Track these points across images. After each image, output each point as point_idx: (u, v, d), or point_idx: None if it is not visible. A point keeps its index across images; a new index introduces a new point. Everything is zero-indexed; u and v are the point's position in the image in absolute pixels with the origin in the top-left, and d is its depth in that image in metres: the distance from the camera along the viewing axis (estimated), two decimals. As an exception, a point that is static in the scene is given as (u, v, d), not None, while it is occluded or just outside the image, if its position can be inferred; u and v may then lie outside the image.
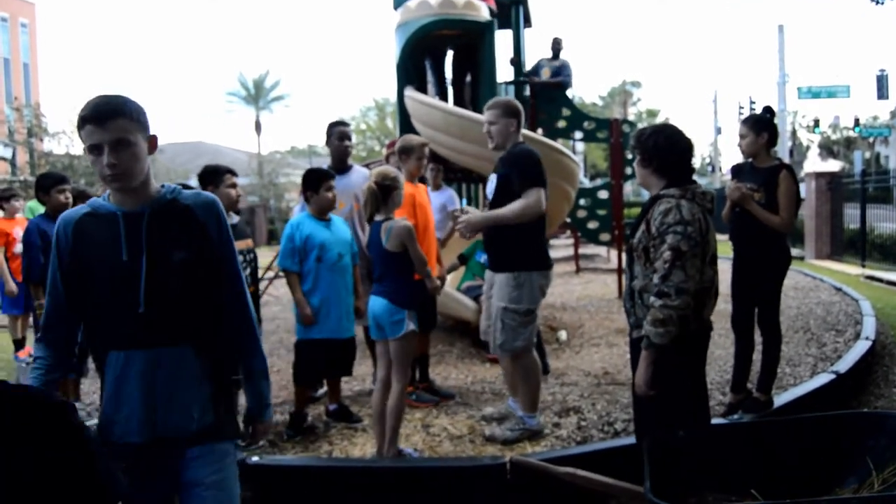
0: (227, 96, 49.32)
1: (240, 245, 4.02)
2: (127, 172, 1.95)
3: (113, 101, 1.96)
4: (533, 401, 4.16)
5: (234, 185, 4.13)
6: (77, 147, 20.51)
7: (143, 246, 1.98)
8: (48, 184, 4.63)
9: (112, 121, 1.91)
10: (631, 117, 45.37)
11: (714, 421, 3.97)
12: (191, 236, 2.04)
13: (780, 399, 4.35)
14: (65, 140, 20.58)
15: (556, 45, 9.42)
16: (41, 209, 5.16)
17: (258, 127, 47.36)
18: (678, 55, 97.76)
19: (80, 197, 4.97)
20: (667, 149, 2.90)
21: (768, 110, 4.38)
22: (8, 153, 19.85)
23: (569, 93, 9.31)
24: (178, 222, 2.04)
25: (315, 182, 4.35)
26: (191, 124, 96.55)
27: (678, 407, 2.86)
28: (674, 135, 2.93)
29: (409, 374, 3.95)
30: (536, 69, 9.33)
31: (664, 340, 2.69)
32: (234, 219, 4.15)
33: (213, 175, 4.11)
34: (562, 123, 8.94)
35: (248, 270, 4.11)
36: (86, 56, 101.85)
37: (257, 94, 47.77)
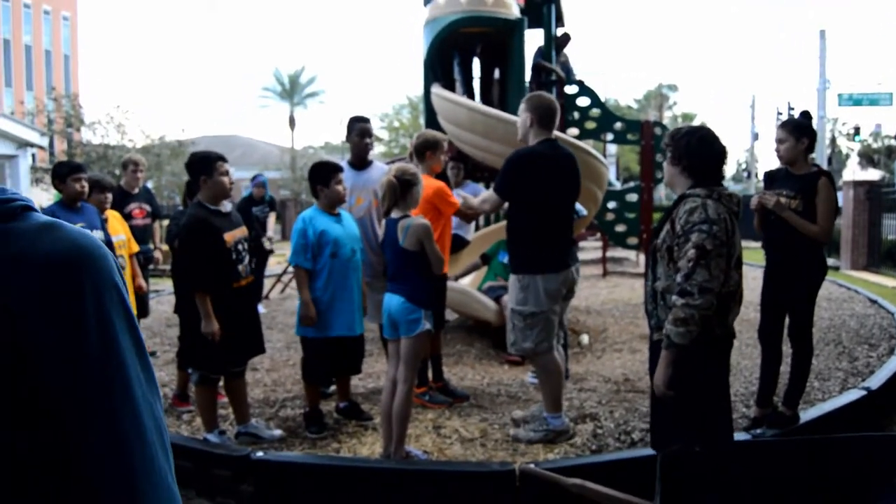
0: (263, 91, 49.78)
1: (236, 234, 3.96)
2: None
3: None
4: (555, 401, 4.09)
5: (226, 173, 3.98)
6: (112, 137, 20.84)
7: None
8: (64, 172, 4.60)
9: None
10: (666, 121, 44.76)
11: (736, 435, 3.83)
12: None
13: (807, 414, 4.17)
14: (100, 130, 20.90)
15: (565, 40, 9.08)
16: None
17: (292, 122, 47.70)
18: (716, 59, 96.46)
19: (96, 186, 4.96)
20: (698, 150, 2.88)
21: (806, 115, 4.21)
22: (45, 142, 20.17)
23: (601, 94, 9.13)
24: None
25: (325, 176, 4.26)
26: (225, 118, 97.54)
27: (699, 416, 2.80)
28: (707, 137, 2.91)
29: (416, 374, 3.86)
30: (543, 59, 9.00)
31: (685, 340, 2.64)
32: (227, 207, 4.07)
33: (205, 163, 3.95)
34: (591, 124, 8.77)
35: (245, 260, 4.03)
36: (125, 49, 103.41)
37: (292, 90, 48.07)
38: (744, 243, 3.09)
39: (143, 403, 0.81)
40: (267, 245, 8.41)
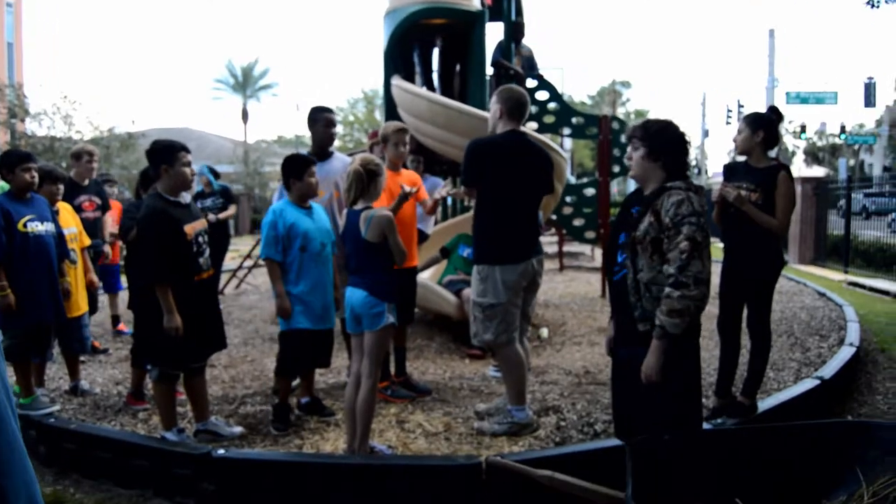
0: (215, 83, 48.87)
1: (196, 226, 3.89)
2: None
3: None
4: (518, 393, 4.08)
5: (188, 164, 3.89)
6: (59, 128, 20.23)
7: None
8: (13, 161, 4.42)
9: None
10: (619, 117, 45.31)
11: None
12: None
13: (764, 404, 4.26)
14: (46, 121, 20.27)
15: (520, 30, 9.05)
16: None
17: (245, 115, 46.97)
18: (668, 56, 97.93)
19: (48, 177, 4.79)
20: (677, 144, 2.95)
21: (773, 110, 4.28)
22: (-13, 133, 19.50)
23: (558, 90, 9.15)
24: None
25: (298, 168, 4.20)
26: (177, 110, 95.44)
27: (683, 402, 2.88)
28: (679, 131, 2.99)
29: (380, 369, 3.82)
30: (503, 55, 8.87)
31: (678, 330, 2.71)
32: (186, 198, 3.99)
33: (167, 152, 3.84)
34: (549, 119, 8.81)
35: (206, 252, 3.96)
36: (72, 38, 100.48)
37: (245, 82, 47.36)
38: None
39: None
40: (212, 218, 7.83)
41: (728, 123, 35.36)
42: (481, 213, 4.07)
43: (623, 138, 8.69)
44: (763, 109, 4.38)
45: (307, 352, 4.27)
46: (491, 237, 4.02)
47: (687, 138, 3.01)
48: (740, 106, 32.24)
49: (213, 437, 4.01)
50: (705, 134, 44.28)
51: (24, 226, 4.37)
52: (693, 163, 52.51)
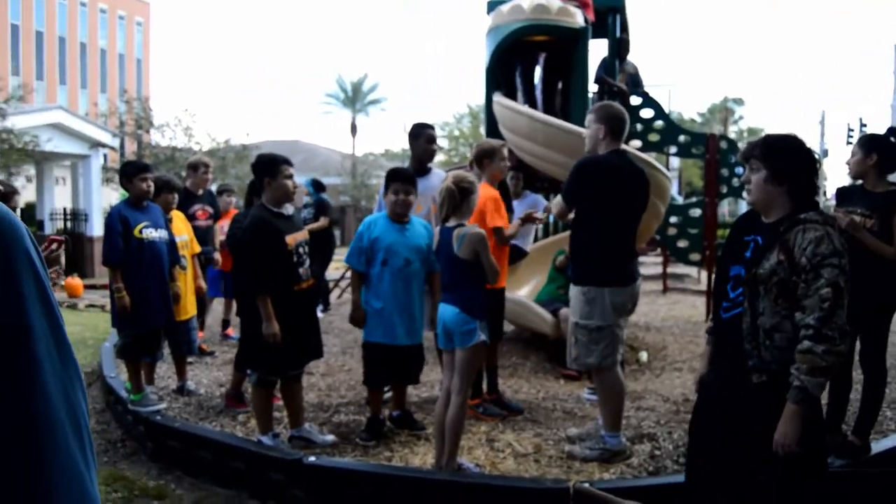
0: (326, 98, 50.41)
1: (297, 236, 4.00)
2: None
3: None
4: (614, 419, 3.98)
5: (290, 177, 4.02)
6: (180, 140, 21.42)
7: None
8: (131, 171, 4.72)
9: None
10: (731, 135, 43.71)
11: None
12: None
13: (879, 445, 3.96)
14: (168, 133, 21.51)
15: (624, 47, 8.78)
16: None
17: (354, 129, 48.18)
18: (785, 72, 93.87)
19: (165, 187, 5.07)
20: (806, 165, 2.48)
21: (893, 131, 4.01)
22: (116, 143, 20.85)
23: (665, 107, 8.90)
24: None
25: (386, 184, 4.28)
26: (288, 123, 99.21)
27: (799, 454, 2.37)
28: (806, 147, 2.53)
29: (471, 386, 3.81)
30: (606, 72, 8.62)
31: (821, 392, 2.31)
32: (289, 209, 4.11)
33: (270, 165, 4.00)
34: (654, 137, 8.58)
35: (306, 263, 4.06)
36: (194, 54, 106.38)
37: (354, 97, 48.59)
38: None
39: (53, 378, 0.78)
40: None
41: (849, 143, 33.50)
42: (583, 233, 4.00)
43: (733, 158, 8.36)
44: (886, 128, 4.11)
45: (384, 365, 4.29)
46: (593, 258, 3.93)
47: (816, 157, 2.54)
48: (862, 124, 30.50)
49: (306, 444, 4.11)
50: (825, 154, 42.00)
51: (140, 232, 4.64)
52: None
